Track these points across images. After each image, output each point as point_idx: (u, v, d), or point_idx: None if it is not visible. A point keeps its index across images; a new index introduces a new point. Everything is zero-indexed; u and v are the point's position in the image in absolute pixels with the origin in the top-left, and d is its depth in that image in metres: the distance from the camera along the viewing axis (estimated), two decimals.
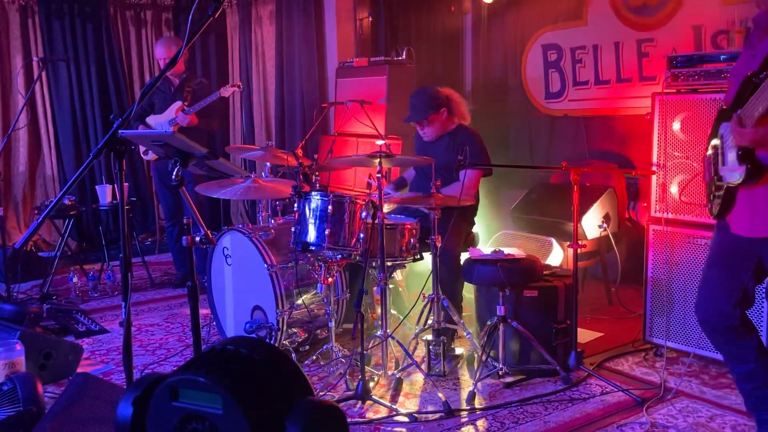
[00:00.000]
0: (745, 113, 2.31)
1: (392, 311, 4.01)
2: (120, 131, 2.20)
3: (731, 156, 2.42)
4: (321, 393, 3.30)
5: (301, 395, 1.29)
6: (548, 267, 3.85)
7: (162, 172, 5.11)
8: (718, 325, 2.60)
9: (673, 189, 3.54)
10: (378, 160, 3.27)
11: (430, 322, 3.62)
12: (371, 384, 3.34)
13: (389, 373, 3.46)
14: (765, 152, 2.33)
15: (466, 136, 4.03)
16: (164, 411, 1.26)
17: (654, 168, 3.58)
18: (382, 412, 3.13)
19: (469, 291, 4.25)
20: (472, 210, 4.11)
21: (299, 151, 3.77)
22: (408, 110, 4.08)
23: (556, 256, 4.56)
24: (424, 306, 3.71)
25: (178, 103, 4.95)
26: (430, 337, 3.56)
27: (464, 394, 3.28)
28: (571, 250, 3.52)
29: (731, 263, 2.57)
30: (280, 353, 1.35)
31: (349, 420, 2.98)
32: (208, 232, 2.44)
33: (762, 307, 3.20)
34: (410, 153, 4.73)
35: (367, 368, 3.31)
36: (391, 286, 3.83)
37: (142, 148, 5.16)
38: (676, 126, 3.51)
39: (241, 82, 5.04)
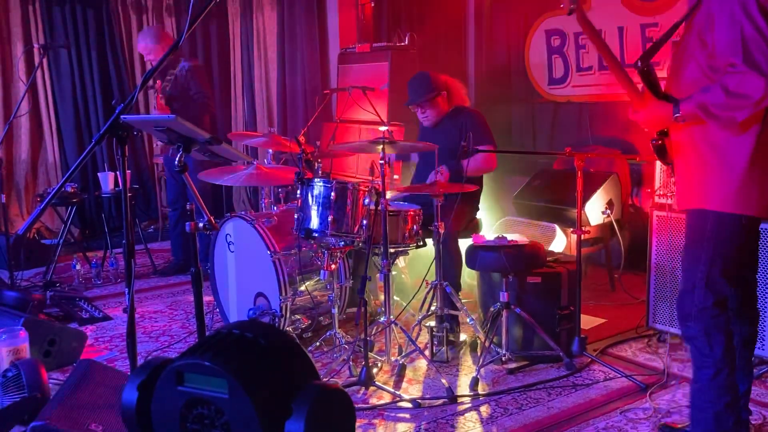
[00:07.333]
0: None
1: (395, 298, 4.00)
2: (122, 116, 2.19)
3: None
4: (324, 379, 3.30)
5: (307, 379, 1.29)
6: (551, 253, 3.84)
7: (169, 156, 5.08)
8: None
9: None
10: (381, 146, 3.26)
11: (433, 308, 3.63)
12: (374, 370, 3.34)
13: (392, 359, 3.46)
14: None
15: (468, 116, 4.02)
16: (170, 395, 1.25)
17: None
18: (386, 398, 3.13)
19: (472, 277, 4.25)
20: (476, 195, 4.10)
21: (301, 138, 3.75)
22: (408, 95, 4.07)
23: (560, 243, 4.55)
24: (427, 292, 3.71)
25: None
26: (433, 323, 3.56)
27: (467, 380, 3.28)
28: (574, 236, 3.52)
29: None
30: (286, 337, 1.35)
31: None
32: (212, 218, 2.43)
33: (766, 306, 3.19)
34: (413, 139, 4.71)
35: (370, 354, 3.31)
36: (394, 272, 3.82)
37: None
38: None
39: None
